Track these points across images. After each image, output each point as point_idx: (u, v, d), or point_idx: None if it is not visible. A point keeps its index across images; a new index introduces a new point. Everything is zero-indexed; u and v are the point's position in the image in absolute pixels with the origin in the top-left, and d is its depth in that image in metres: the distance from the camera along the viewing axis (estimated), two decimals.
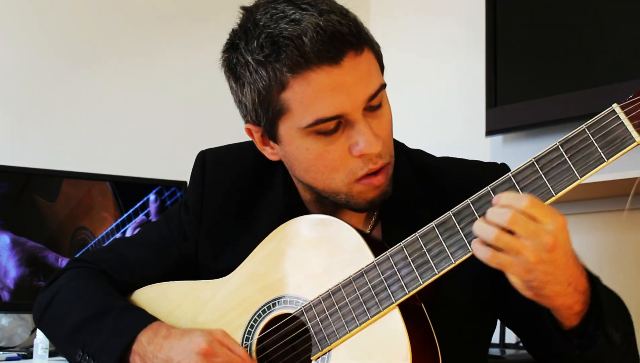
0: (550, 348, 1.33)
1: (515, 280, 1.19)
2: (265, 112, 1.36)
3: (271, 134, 1.39)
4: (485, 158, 2.71)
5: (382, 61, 1.39)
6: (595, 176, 1.20)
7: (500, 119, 2.56)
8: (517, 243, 1.15)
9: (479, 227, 1.18)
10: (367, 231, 1.47)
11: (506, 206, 1.16)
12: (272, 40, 1.30)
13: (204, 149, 1.60)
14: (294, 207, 1.48)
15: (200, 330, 1.39)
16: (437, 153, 1.56)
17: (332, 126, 1.32)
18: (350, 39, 1.30)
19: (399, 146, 1.48)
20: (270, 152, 1.43)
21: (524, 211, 1.15)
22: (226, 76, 1.42)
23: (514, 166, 1.22)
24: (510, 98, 2.53)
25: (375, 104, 1.35)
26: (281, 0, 1.34)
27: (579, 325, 1.25)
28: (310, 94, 1.30)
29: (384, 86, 1.36)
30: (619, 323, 1.26)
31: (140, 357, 1.40)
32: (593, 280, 1.25)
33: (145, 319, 1.44)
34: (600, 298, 1.23)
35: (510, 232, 1.16)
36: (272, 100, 1.34)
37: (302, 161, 1.37)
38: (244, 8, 1.40)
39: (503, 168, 1.46)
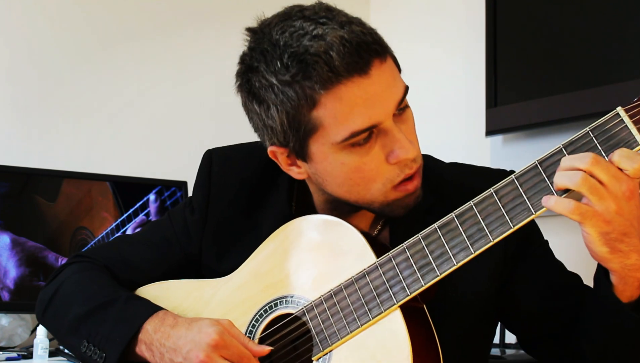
0: (551, 349, 1.32)
1: (593, 234, 1.16)
2: (295, 132, 1.34)
3: (300, 153, 1.37)
4: (485, 158, 2.73)
5: (399, 64, 1.39)
6: None
7: (500, 119, 2.56)
8: (600, 188, 1.14)
9: (562, 175, 1.16)
10: (374, 234, 1.46)
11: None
12: (298, 58, 1.28)
13: (204, 149, 1.59)
14: (301, 209, 1.48)
15: (208, 320, 1.37)
16: (437, 153, 1.56)
17: (366, 136, 1.32)
18: (375, 48, 1.30)
19: None
20: (296, 171, 1.41)
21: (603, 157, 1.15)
22: (246, 100, 1.39)
23: (514, 167, 1.22)
24: (510, 98, 2.53)
25: (402, 107, 1.35)
26: (295, 17, 1.32)
27: None
28: (344, 109, 1.29)
29: (407, 88, 1.36)
30: None
31: (146, 345, 1.39)
32: None
33: (151, 308, 1.44)
34: None
35: None
36: (303, 119, 1.32)
37: (337, 176, 1.36)
38: (250, 30, 1.38)
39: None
